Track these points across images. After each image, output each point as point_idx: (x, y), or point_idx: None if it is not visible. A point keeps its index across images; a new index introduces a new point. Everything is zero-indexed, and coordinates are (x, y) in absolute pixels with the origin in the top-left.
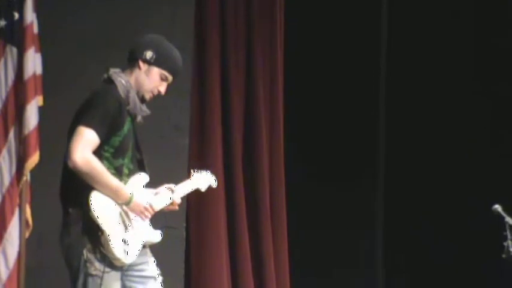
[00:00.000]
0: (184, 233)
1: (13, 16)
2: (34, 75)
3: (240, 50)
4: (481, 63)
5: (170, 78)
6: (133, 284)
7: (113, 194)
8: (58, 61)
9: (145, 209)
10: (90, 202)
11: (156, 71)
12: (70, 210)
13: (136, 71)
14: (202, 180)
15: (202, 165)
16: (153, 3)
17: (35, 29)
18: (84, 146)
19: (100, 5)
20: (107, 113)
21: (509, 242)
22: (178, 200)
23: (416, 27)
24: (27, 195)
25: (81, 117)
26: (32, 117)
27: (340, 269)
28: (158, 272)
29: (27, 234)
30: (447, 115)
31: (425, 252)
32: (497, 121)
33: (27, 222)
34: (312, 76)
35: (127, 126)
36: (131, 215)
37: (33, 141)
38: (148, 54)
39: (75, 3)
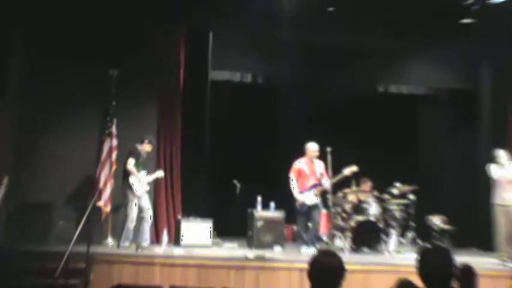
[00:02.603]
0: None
1: (110, 133)
2: (116, 146)
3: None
4: None
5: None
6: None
7: (138, 178)
8: (124, 142)
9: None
10: (131, 179)
11: (147, 144)
12: (124, 180)
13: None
14: (159, 173)
15: (159, 166)
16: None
17: (115, 131)
18: (131, 163)
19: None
20: (137, 154)
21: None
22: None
23: None
24: (112, 177)
25: (128, 155)
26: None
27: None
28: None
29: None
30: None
31: None
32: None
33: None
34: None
35: (141, 158)
36: (143, 181)
37: (114, 162)
38: (146, 139)
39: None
